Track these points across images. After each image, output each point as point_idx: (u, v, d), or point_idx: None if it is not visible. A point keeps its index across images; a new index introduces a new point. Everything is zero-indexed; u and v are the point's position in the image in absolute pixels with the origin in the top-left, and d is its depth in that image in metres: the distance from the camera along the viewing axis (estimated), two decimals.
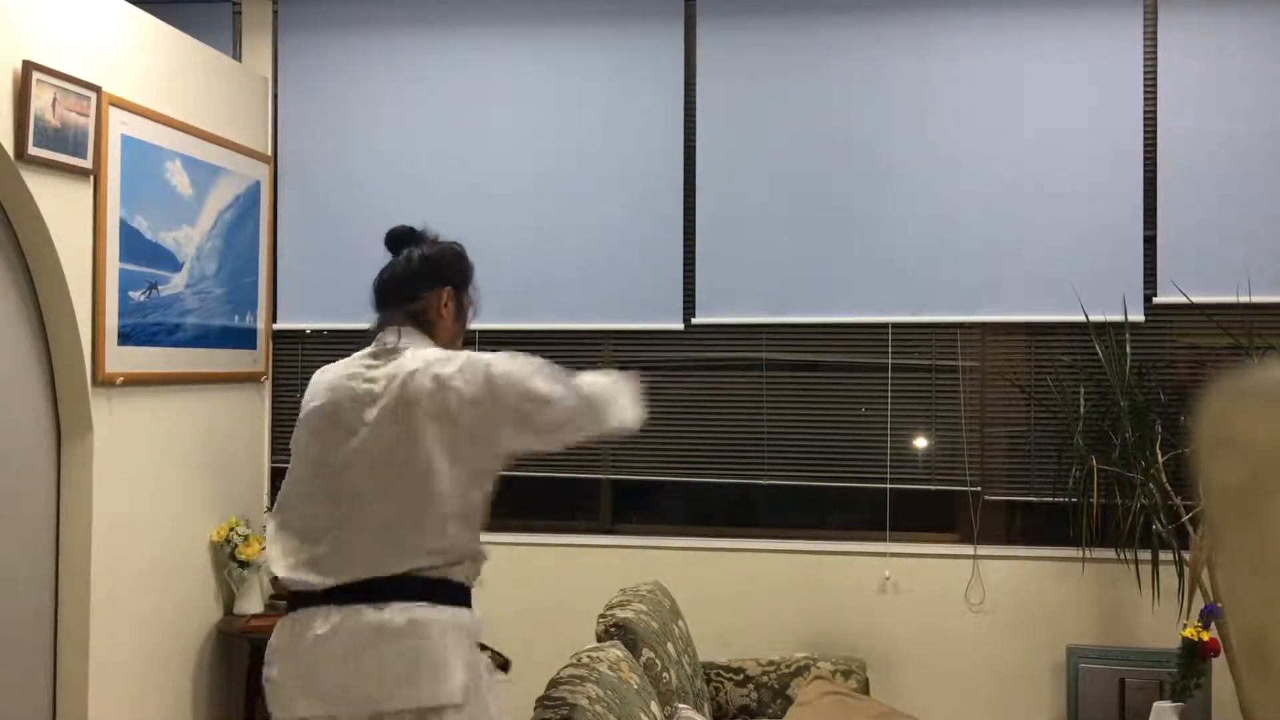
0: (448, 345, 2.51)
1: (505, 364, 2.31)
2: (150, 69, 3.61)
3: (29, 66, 3.02)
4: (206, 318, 3.90)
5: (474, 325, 4.17)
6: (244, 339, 4.16)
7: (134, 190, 3.48)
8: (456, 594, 2.32)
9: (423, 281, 2.53)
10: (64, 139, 3.16)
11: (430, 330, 2.50)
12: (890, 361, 4.04)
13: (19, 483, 3.19)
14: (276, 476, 4.29)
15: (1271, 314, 3.80)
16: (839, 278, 4.06)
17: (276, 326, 4.37)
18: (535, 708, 2.16)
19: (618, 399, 2.30)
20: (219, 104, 3.99)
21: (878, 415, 4.06)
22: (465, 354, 2.38)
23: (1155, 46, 3.94)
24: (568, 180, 4.22)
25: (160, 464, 3.68)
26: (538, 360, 2.32)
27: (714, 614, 3.89)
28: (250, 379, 4.23)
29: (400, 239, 2.60)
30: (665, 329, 4.16)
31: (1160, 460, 3.59)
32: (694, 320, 4.15)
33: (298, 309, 4.38)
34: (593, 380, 2.31)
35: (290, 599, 2.37)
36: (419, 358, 2.37)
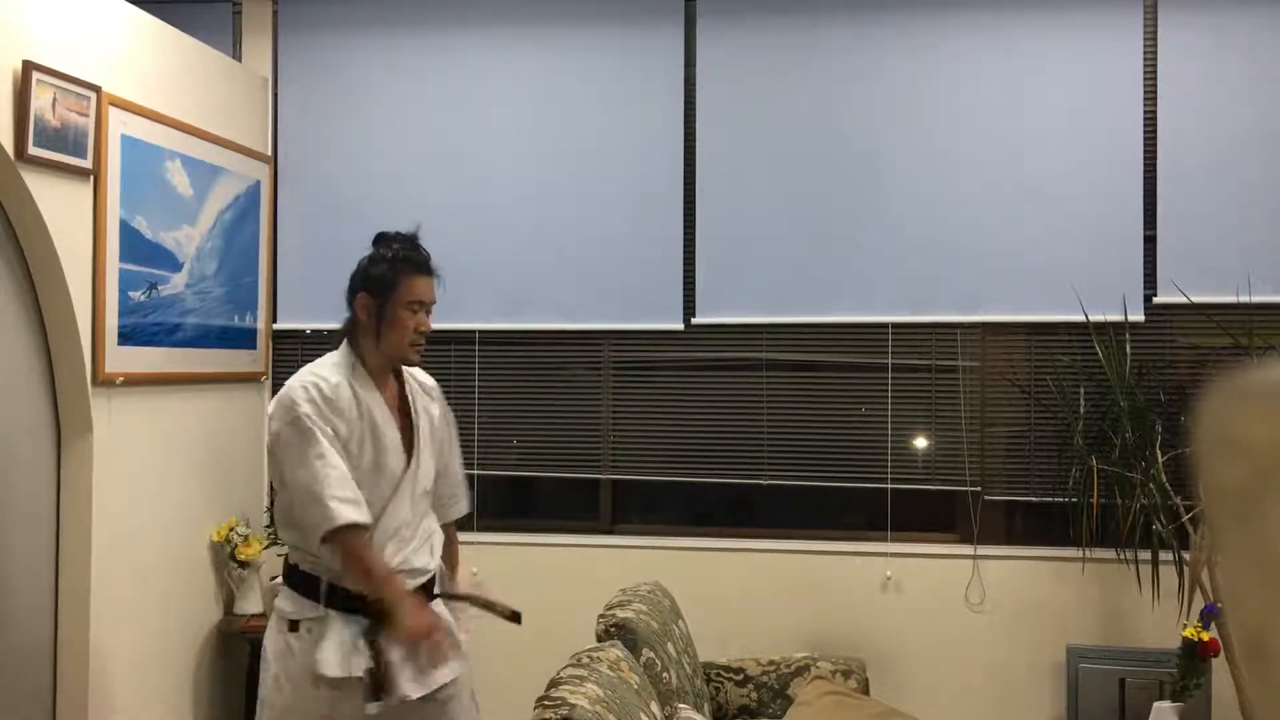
0: (384, 350, 2.70)
1: (282, 437, 2.61)
2: (150, 69, 3.61)
3: (29, 66, 3.02)
4: (206, 318, 3.90)
5: (475, 325, 4.22)
6: (244, 339, 4.16)
7: (134, 190, 3.48)
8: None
9: (349, 289, 2.75)
10: (64, 139, 3.16)
11: (351, 337, 2.73)
12: (890, 361, 4.04)
13: (19, 483, 3.19)
14: None
15: (1271, 314, 3.80)
16: (839, 278, 4.06)
17: (276, 326, 4.37)
18: (535, 708, 2.16)
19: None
20: (219, 104, 3.99)
21: (878, 415, 4.06)
22: (279, 397, 2.64)
23: (1155, 46, 3.94)
24: (568, 180, 4.22)
25: (160, 464, 3.68)
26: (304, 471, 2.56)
27: (714, 614, 3.89)
28: (250, 379, 4.23)
29: (373, 242, 2.78)
30: (665, 329, 4.16)
31: (1160, 460, 3.59)
32: (694, 320, 4.14)
33: (298, 309, 4.38)
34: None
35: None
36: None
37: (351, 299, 2.71)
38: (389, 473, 2.69)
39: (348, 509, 2.51)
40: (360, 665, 2.58)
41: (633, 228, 4.17)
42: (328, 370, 2.66)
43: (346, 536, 2.52)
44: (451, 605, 2.85)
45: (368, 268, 2.71)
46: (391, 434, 2.70)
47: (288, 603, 2.67)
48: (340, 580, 2.62)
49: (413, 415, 2.78)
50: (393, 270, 2.67)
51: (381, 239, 2.75)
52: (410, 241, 2.74)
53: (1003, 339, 4.04)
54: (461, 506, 3.00)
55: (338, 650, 2.58)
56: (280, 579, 2.79)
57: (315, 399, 2.58)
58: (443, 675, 2.70)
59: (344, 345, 2.73)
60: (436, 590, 2.81)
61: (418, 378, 2.88)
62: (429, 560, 2.77)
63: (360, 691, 2.58)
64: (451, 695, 2.78)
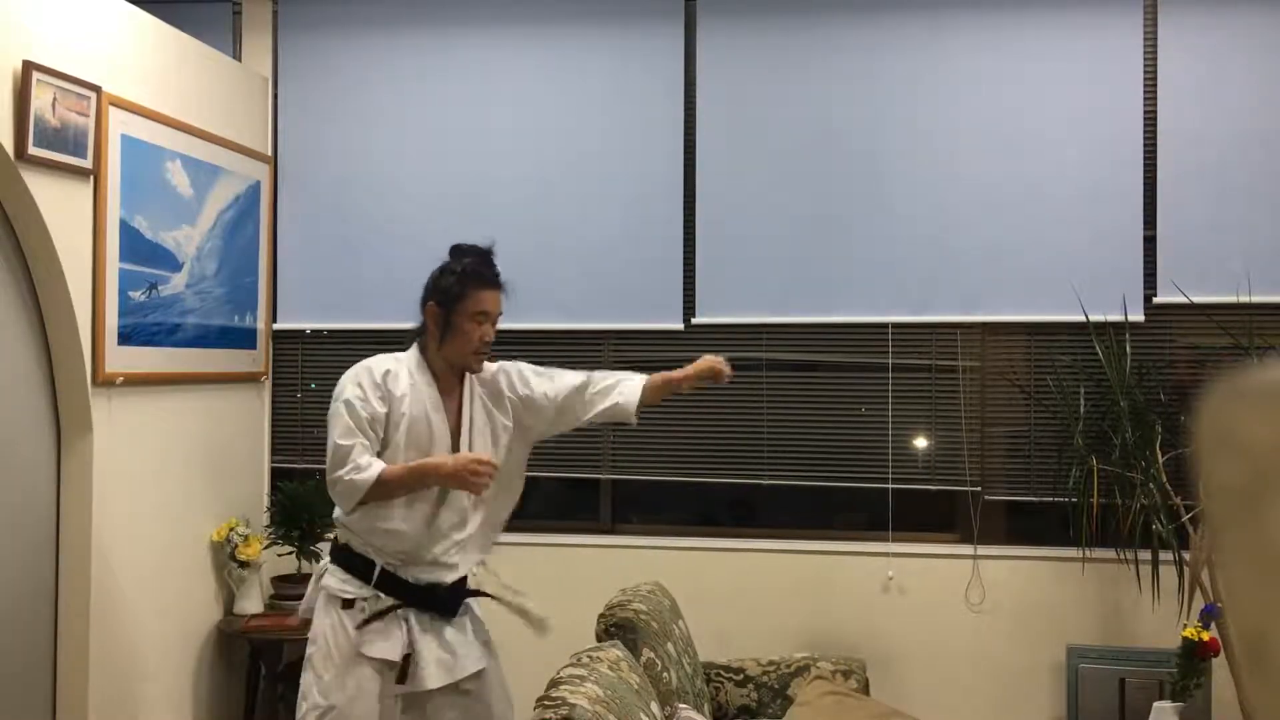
0: (446, 357, 2.81)
1: (331, 412, 2.74)
2: (150, 69, 3.61)
3: (29, 66, 3.02)
4: (206, 318, 3.90)
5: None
6: (244, 339, 4.15)
7: (134, 190, 3.48)
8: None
9: (422, 297, 2.86)
10: (64, 139, 3.16)
11: (422, 343, 2.85)
12: (890, 361, 4.04)
13: (19, 483, 3.19)
14: (277, 477, 4.29)
15: (1271, 314, 3.80)
16: (839, 278, 4.06)
17: (276, 326, 4.37)
18: (535, 708, 2.16)
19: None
20: (219, 104, 3.99)
21: (878, 415, 4.06)
22: (338, 389, 2.75)
23: (1155, 46, 3.94)
24: (568, 180, 4.22)
25: (160, 464, 3.68)
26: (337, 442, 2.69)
27: (714, 614, 3.89)
28: (250, 379, 4.23)
29: (449, 253, 2.89)
30: (665, 329, 4.16)
31: (1160, 460, 3.59)
32: (694, 320, 4.14)
33: (298, 309, 4.38)
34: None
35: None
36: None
37: (422, 306, 2.83)
38: None
39: (364, 473, 2.63)
40: (398, 650, 2.72)
41: (633, 228, 4.17)
42: (391, 359, 2.81)
43: (380, 483, 2.64)
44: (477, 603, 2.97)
45: (438, 278, 2.83)
46: (442, 431, 2.80)
47: (338, 580, 2.77)
48: (395, 568, 2.75)
49: (466, 421, 2.86)
50: (461, 283, 2.78)
51: (456, 251, 2.86)
52: (482, 255, 2.83)
53: (1003, 339, 4.04)
54: (635, 378, 2.96)
55: (384, 633, 2.73)
56: (328, 560, 2.86)
57: (363, 382, 2.73)
58: (469, 666, 2.82)
59: (414, 346, 2.86)
60: (472, 587, 2.96)
61: (490, 379, 2.93)
62: (470, 562, 2.89)
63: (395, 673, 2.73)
64: (482, 687, 2.88)
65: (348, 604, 2.75)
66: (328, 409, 2.78)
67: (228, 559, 3.97)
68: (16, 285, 3.18)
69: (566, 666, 2.38)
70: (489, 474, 2.66)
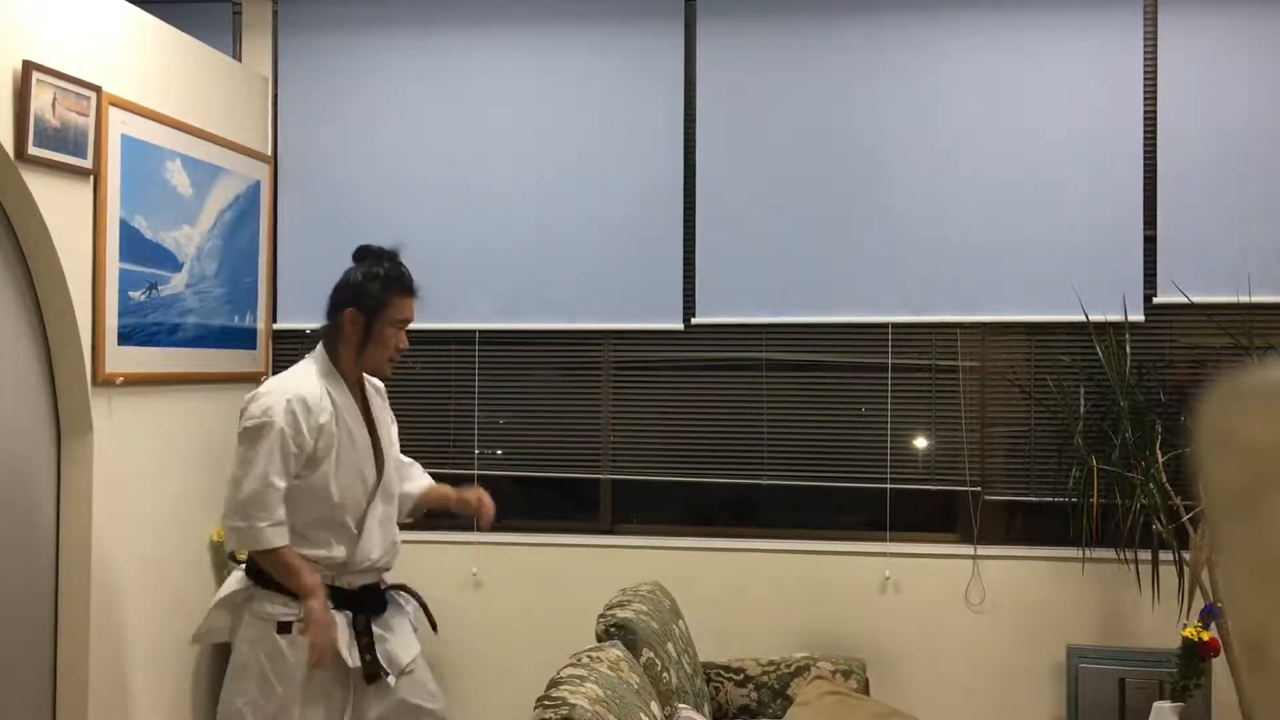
0: (361, 363, 2.84)
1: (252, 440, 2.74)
2: (150, 69, 3.61)
3: (29, 66, 3.02)
4: (206, 318, 3.90)
5: (475, 325, 4.22)
6: (244, 339, 4.15)
7: (134, 190, 3.47)
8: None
9: (335, 301, 2.85)
10: (64, 139, 3.16)
11: (330, 345, 2.84)
12: (890, 361, 4.04)
13: (19, 483, 3.19)
14: None
15: (1271, 314, 3.80)
16: (839, 278, 4.06)
17: (276, 326, 4.37)
18: (535, 708, 2.16)
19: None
20: (219, 104, 3.99)
21: (878, 415, 4.06)
22: (259, 399, 2.77)
23: (1155, 46, 3.94)
24: (567, 180, 4.21)
25: (160, 464, 3.68)
26: (242, 480, 2.74)
27: (714, 614, 3.89)
28: (250, 379, 4.22)
29: (355, 256, 2.90)
30: (665, 329, 4.16)
31: (1160, 460, 3.58)
32: (694, 320, 4.14)
33: (298, 309, 4.37)
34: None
35: None
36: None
37: (337, 311, 2.80)
38: (365, 478, 2.83)
39: (279, 533, 2.69)
40: (357, 655, 2.77)
41: (633, 228, 4.17)
42: (310, 381, 2.77)
43: (277, 554, 2.70)
44: (397, 594, 3.05)
45: (361, 284, 2.79)
46: (363, 441, 2.84)
47: (271, 605, 2.75)
48: (332, 578, 2.79)
49: (376, 424, 2.91)
50: (384, 290, 2.78)
51: (369, 255, 2.84)
52: (397, 261, 2.84)
53: (1003, 339, 4.04)
54: (426, 476, 3.17)
55: (340, 642, 2.74)
56: (241, 584, 2.84)
57: (297, 413, 2.70)
58: (407, 656, 2.91)
59: (320, 350, 2.84)
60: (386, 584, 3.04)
61: (372, 382, 3.00)
62: (389, 558, 2.96)
63: (353, 677, 2.78)
64: (416, 668, 2.97)
65: (284, 628, 2.71)
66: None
67: (227, 559, 3.96)
68: (16, 285, 3.18)
69: (566, 666, 2.38)
70: (328, 649, 2.72)
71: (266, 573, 2.78)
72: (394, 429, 3.08)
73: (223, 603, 2.88)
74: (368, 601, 2.86)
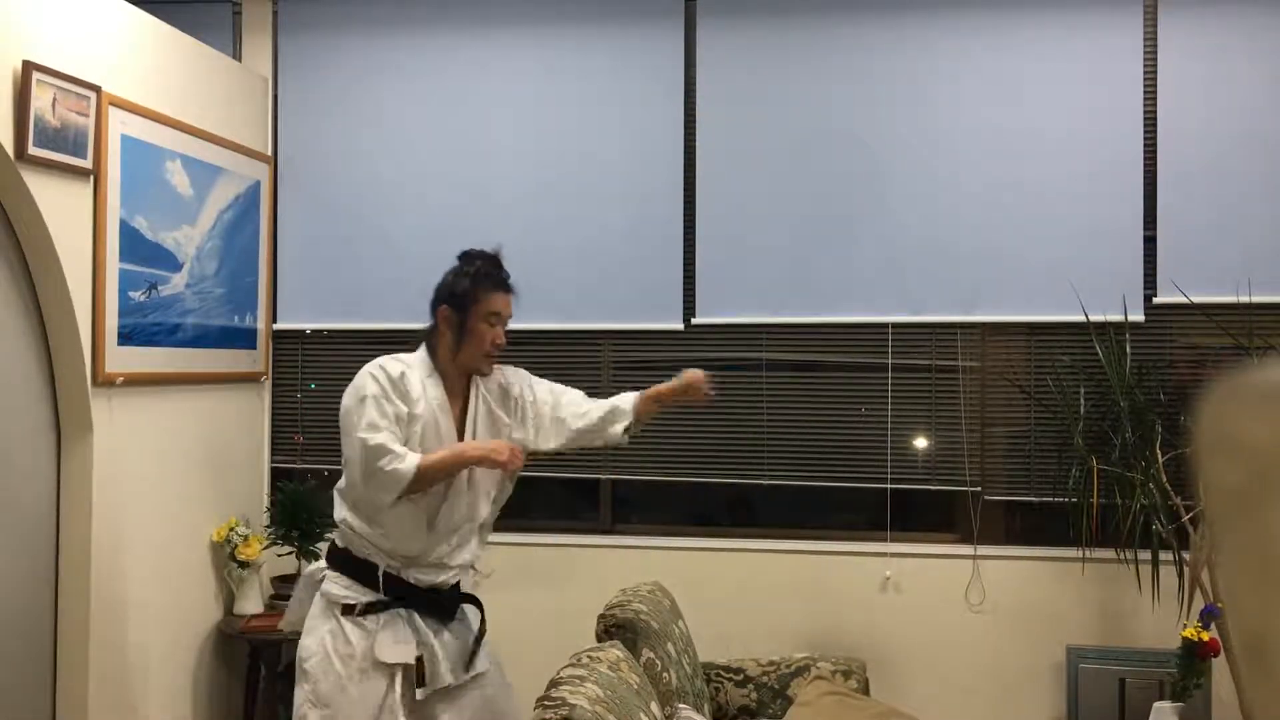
0: (459, 359, 2.83)
1: (348, 410, 2.73)
2: (150, 69, 3.61)
3: (29, 66, 3.02)
4: (206, 318, 3.90)
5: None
6: (244, 339, 4.15)
7: (134, 190, 3.48)
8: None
9: (433, 300, 2.87)
10: (64, 139, 3.16)
11: (431, 346, 2.86)
12: (890, 361, 4.04)
13: (19, 483, 3.19)
14: (276, 476, 4.29)
15: (1271, 314, 3.80)
16: (839, 278, 4.06)
17: (276, 326, 4.37)
18: (535, 708, 2.16)
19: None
20: (219, 104, 3.99)
21: (878, 415, 4.06)
22: (356, 388, 2.75)
23: (1155, 46, 3.94)
24: (568, 180, 4.21)
25: (160, 464, 3.68)
26: (363, 442, 2.69)
27: (714, 614, 3.89)
28: (250, 379, 4.23)
29: (458, 258, 2.91)
30: (665, 329, 4.16)
31: (1160, 460, 3.58)
32: (694, 320, 4.14)
33: (298, 309, 4.38)
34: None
35: None
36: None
37: (434, 310, 2.86)
38: None
39: (406, 461, 2.66)
40: (412, 652, 2.75)
41: (633, 228, 4.17)
42: (400, 361, 2.82)
43: (420, 472, 2.67)
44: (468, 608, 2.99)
45: (451, 282, 2.85)
46: (449, 431, 2.82)
47: (339, 587, 2.78)
48: (397, 570, 2.77)
49: (471, 421, 2.88)
50: (474, 285, 2.82)
51: (465, 256, 2.89)
52: (491, 259, 2.87)
53: (1003, 339, 4.04)
54: (616, 407, 3.01)
55: (393, 636, 2.74)
56: (323, 564, 2.87)
57: (382, 381, 2.74)
58: (479, 665, 2.88)
59: (422, 348, 2.87)
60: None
61: (496, 381, 2.96)
62: (468, 559, 2.91)
63: (407, 677, 2.75)
64: (486, 682, 2.93)
65: (348, 609, 2.75)
66: (330, 409, 2.78)
67: (227, 559, 3.97)
68: (16, 285, 3.18)
69: (566, 667, 2.38)
70: (518, 456, 2.74)
71: (338, 554, 2.81)
72: (506, 433, 2.93)
73: (304, 582, 2.92)
74: (433, 604, 2.82)
